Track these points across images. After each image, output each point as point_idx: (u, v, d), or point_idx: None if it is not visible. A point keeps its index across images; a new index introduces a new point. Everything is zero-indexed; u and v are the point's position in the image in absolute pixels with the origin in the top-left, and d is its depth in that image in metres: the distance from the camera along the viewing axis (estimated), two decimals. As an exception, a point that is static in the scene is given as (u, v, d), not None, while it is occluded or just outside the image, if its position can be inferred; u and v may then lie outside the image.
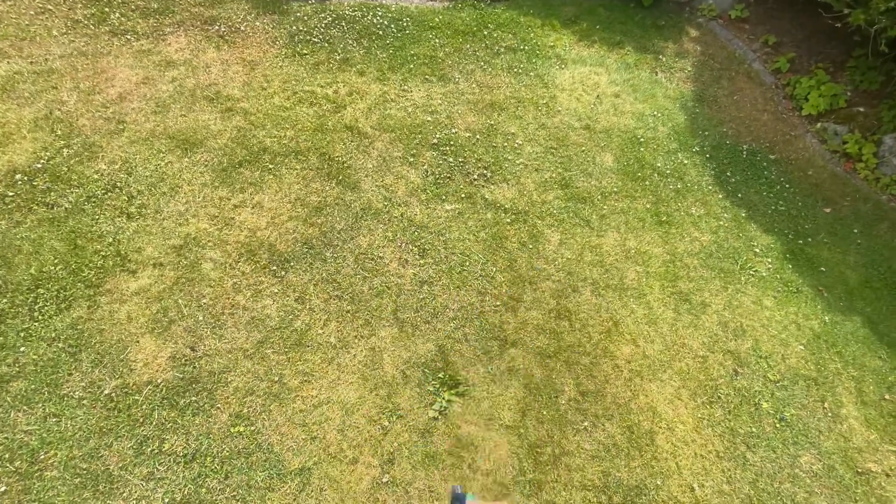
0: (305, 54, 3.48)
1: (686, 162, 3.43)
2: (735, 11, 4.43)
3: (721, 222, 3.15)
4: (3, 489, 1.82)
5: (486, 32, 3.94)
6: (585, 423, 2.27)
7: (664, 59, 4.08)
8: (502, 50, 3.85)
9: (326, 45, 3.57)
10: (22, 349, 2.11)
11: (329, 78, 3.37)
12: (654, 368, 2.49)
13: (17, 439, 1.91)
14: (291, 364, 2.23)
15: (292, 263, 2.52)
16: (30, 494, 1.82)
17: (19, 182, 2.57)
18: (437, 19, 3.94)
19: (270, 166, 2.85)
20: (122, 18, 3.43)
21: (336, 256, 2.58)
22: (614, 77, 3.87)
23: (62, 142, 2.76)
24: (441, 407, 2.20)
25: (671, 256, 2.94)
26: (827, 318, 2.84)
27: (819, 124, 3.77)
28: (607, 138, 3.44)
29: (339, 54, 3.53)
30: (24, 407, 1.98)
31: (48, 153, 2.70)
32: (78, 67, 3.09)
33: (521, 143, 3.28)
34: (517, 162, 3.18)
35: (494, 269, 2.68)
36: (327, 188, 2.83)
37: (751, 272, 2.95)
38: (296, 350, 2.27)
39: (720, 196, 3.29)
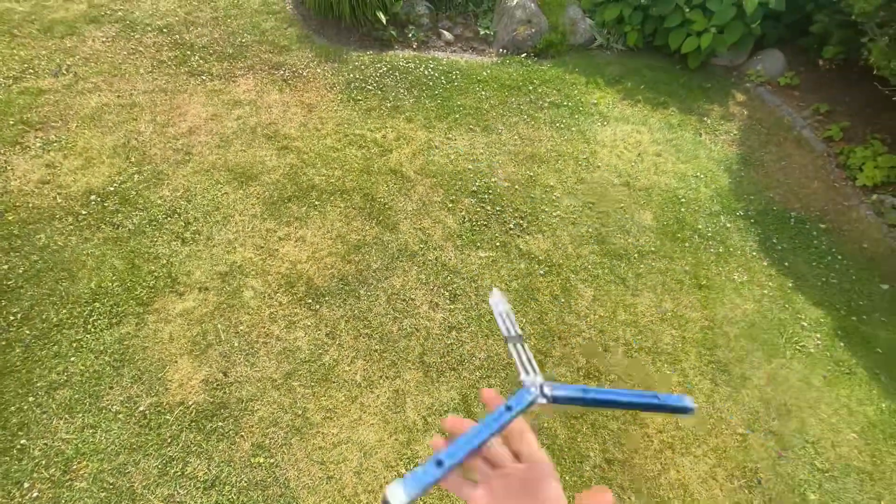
0: (359, 100, 3.71)
1: (729, 225, 3.35)
2: (785, 78, 4.41)
3: (765, 291, 3.02)
4: (35, 495, 1.89)
5: (531, 87, 4.09)
6: (610, 495, 2.14)
7: (709, 122, 4.08)
8: (546, 105, 3.98)
9: (380, 92, 3.80)
10: (72, 359, 2.24)
11: (379, 123, 3.57)
12: (687, 442, 2.35)
13: (55, 447, 2.00)
14: (316, 399, 2.26)
15: (327, 298, 2.60)
16: (59, 503, 1.89)
17: (93, 202, 2.82)
18: (484, 73, 4.14)
19: (317, 203, 3.00)
20: (201, 61, 3.79)
21: (369, 294, 2.64)
22: (657, 136, 3.89)
23: (135, 168, 3.02)
24: (460, 459, 2.15)
25: (710, 322, 2.82)
26: (884, 404, 2.62)
27: (875, 196, 3.62)
28: (647, 196, 3.43)
29: (390, 101, 3.74)
30: (66, 415, 2.09)
31: (121, 178, 2.96)
32: (157, 102, 3.42)
33: (559, 195, 3.32)
34: (554, 214, 3.20)
35: (524, 321, 2.66)
36: (367, 227, 2.94)
37: (797, 347, 2.79)
38: (322, 385, 2.31)
39: (765, 263, 3.17)
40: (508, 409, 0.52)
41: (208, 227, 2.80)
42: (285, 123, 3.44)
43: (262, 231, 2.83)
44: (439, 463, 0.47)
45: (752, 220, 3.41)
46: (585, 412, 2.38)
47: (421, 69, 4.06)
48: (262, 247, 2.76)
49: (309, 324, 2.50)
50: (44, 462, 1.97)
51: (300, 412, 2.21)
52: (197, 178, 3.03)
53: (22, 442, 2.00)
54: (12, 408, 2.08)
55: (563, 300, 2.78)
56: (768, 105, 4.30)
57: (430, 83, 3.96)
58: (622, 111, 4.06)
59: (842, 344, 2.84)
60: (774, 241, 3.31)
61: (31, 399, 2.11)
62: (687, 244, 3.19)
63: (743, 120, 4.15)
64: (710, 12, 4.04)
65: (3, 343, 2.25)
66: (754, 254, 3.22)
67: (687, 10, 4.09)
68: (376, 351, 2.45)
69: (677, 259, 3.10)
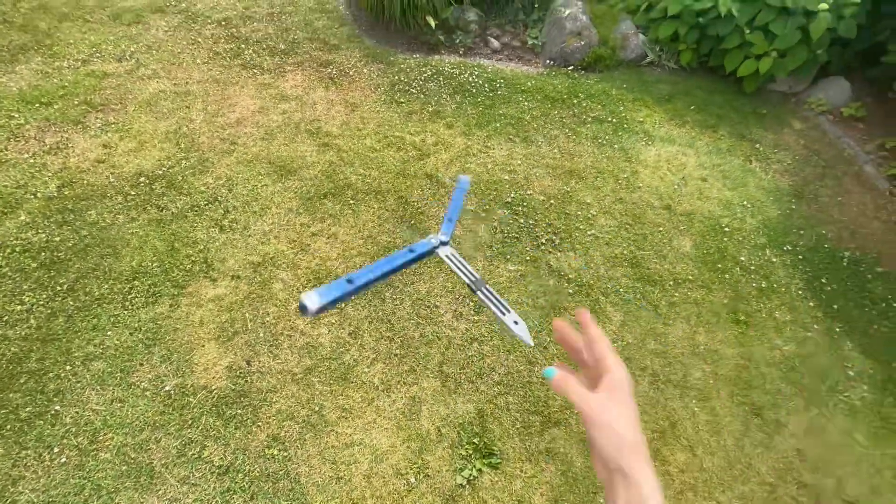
0: (402, 102, 3.74)
1: (775, 260, 3.18)
2: (849, 109, 4.17)
3: (809, 333, 2.84)
4: (63, 460, 1.98)
5: (575, 101, 4.02)
6: (623, 531, 2.06)
7: (761, 149, 3.90)
8: (589, 120, 3.90)
9: (422, 96, 3.82)
10: (109, 333, 2.34)
11: (419, 127, 3.58)
12: (710, 485, 2.23)
13: (86, 416, 2.09)
14: (333, 397, 2.28)
15: (353, 297, 2.61)
16: (83, 470, 1.97)
17: (142, 184, 2.95)
18: (529, 84, 4.10)
19: (351, 202, 3.04)
20: (254, 55, 3.92)
21: (394, 298, 2.65)
22: (703, 160, 3.74)
23: (183, 154, 3.14)
24: (470, 475, 2.12)
25: (746, 361, 2.68)
26: (935, 471, 2.42)
27: (941, 242, 3.35)
28: (688, 222, 3.30)
29: (432, 106, 3.75)
30: (98, 387, 2.18)
31: (170, 162, 3.08)
32: (209, 92, 3.55)
33: (595, 213, 3.24)
34: (588, 232, 3.12)
35: (549, 339, 2.60)
36: (398, 230, 2.94)
37: (841, 397, 2.61)
38: (340, 384, 2.32)
39: (811, 304, 2.99)
40: (411, 251, 0.63)
41: (245, 217, 2.88)
42: (328, 121, 3.51)
43: (297, 225, 2.88)
44: (349, 281, 0.55)
45: (801, 257, 3.23)
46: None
47: (465, 75, 4.06)
48: (295, 241, 2.81)
49: (333, 321, 2.52)
50: (74, 430, 2.06)
51: (317, 409, 2.23)
52: (240, 168, 3.12)
53: (56, 408, 2.10)
54: (51, 374, 2.19)
55: (590, 322, 2.70)
56: (828, 136, 4.07)
57: (474, 90, 3.95)
58: (669, 131, 3.93)
59: (892, 399, 2.64)
60: (824, 280, 3.12)
61: (68, 367, 2.22)
62: (727, 276, 3.04)
63: (799, 150, 3.94)
64: (773, 35, 3.86)
65: (49, 311, 2.37)
66: (800, 292, 3.04)
67: (747, 31, 3.92)
68: (396, 355, 2.44)
69: (715, 290, 2.96)
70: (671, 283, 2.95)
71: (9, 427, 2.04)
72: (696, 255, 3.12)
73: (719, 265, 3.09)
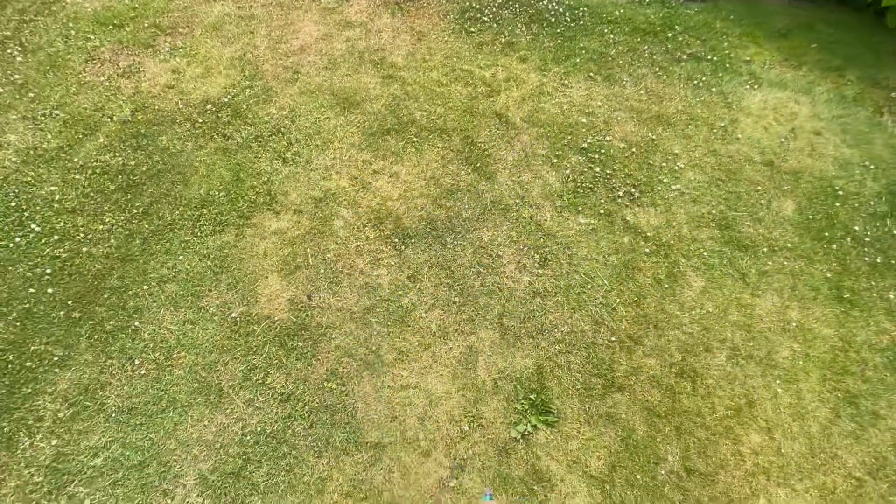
0: (472, 32, 3.41)
1: (896, 232, 2.73)
2: None
3: (928, 319, 2.46)
4: (143, 372, 2.12)
5: (669, 34, 3.50)
6: (684, 505, 1.96)
7: (897, 99, 3.26)
8: (684, 57, 3.39)
9: (495, 25, 3.46)
10: (180, 258, 2.42)
11: (490, 60, 3.27)
12: (787, 471, 2.05)
13: (161, 334, 2.21)
14: (391, 338, 2.26)
15: (413, 240, 2.53)
16: (160, 384, 2.11)
17: (209, 111, 2.93)
18: (617, 13, 3.60)
19: (415, 139, 2.87)
20: (318, -24, 3.67)
21: (455, 244, 2.53)
22: (820, 110, 3.19)
23: (247, 82, 3.07)
24: (525, 430, 2.06)
25: (844, 344, 2.38)
26: None
27: None
28: (793, 181, 2.87)
29: (504, 37, 3.40)
30: (172, 308, 2.28)
31: (235, 90, 3.02)
32: (273, 17, 3.40)
33: (682, 166, 2.88)
34: (673, 187, 2.80)
35: (618, 301, 2.41)
36: (462, 173, 2.77)
37: (958, 394, 2.27)
38: (398, 326, 2.29)
39: (936, 286, 2.56)
40: None
41: (308, 151, 2.80)
42: (393, 51, 3.28)
43: (359, 161, 2.78)
44: None
45: (930, 231, 2.74)
46: (672, 412, 2.15)
47: (544, 2, 3.62)
48: (357, 178, 2.72)
49: (392, 263, 2.46)
50: (151, 345, 2.19)
51: (374, 348, 2.23)
52: (303, 98, 3.01)
53: (136, 324, 2.23)
54: (130, 292, 2.31)
55: (667, 286, 2.47)
56: None
57: (552, 19, 3.53)
58: (780, 74, 3.36)
59: None
60: (956, 260, 2.65)
61: (145, 287, 2.33)
62: (834, 246, 2.65)
63: (947, 101, 3.26)
64: (941, -48, 3.08)
65: (127, 233, 2.48)
66: (923, 272, 2.61)
67: (906, -54, 3.15)
68: (455, 303, 2.37)
69: (818, 262, 2.60)
70: (765, 249, 2.61)
71: (96, 337, 2.19)
72: (799, 220, 2.73)
73: (826, 234, 2.69)
